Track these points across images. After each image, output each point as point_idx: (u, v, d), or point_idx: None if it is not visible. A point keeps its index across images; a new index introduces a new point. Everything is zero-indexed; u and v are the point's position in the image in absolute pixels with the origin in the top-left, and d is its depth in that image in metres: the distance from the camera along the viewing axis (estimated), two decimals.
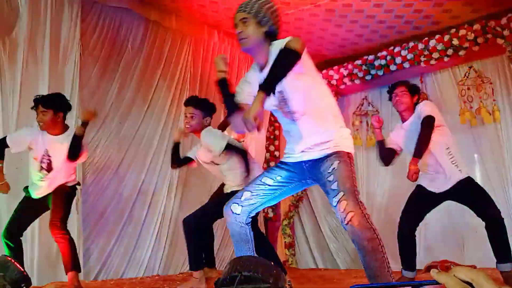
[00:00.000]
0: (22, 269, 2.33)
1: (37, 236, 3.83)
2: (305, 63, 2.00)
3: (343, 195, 1.93)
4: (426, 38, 4.99)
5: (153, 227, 4.80)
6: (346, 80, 5.66)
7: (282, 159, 2.28)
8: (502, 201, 4.41)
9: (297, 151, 2.17)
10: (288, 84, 1.99)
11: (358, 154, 5.57)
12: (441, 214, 4.32)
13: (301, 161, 2.16)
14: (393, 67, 5.24)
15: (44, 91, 3.85)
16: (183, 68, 5.26)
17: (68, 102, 3.30)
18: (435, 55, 4.91)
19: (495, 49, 4.63)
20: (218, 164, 3.26)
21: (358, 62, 5.52)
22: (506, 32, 4.44)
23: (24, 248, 3.29)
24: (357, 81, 5.61)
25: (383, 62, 5.29)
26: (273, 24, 2.07)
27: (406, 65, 5.18)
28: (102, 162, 4.53)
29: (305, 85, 2.06)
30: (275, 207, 5.92)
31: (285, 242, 5.88)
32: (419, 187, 3.33)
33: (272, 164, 5.82)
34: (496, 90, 4.79)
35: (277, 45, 1.96)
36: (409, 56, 5.09)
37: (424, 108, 3.20)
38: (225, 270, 1.98)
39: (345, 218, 1.90)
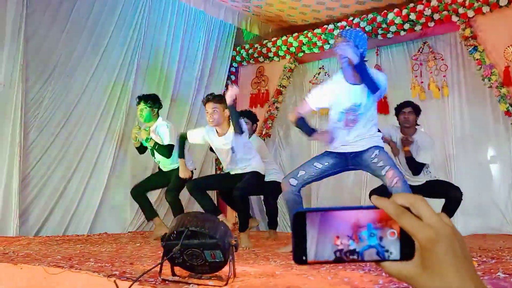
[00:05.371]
0: None
1: None
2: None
3: (390, 167, 2.73)
4: (385, 11, 5.03)
5: (99, 185, 4.68)
6: (304, 48, 5.65)
7: (328, 150, 2.97)
8: (445, 173, 4.64)
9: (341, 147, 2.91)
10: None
11: (313, 121, 5.62)
12: None
13: (345, 152, 2.89)
14: None
15: None
16: (139, 20, 5.03)
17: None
18: (393, 28, 4.97)
19: (449, 26, 4.75)
20: None
21: (318, 30, 5.51)
22: (461, 10, 4.55)
23: None
24: (315, 50, 5.62)
25: None
26: None
27: None
28: (47, 118, 4.33)
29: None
30: None
31: None
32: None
33: None
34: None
35: None
36: (367, 28, 5.12)
37: (424, 139, 3.81)
38: (172, 225, 1.96)
39: (392, 182, 2.68)
